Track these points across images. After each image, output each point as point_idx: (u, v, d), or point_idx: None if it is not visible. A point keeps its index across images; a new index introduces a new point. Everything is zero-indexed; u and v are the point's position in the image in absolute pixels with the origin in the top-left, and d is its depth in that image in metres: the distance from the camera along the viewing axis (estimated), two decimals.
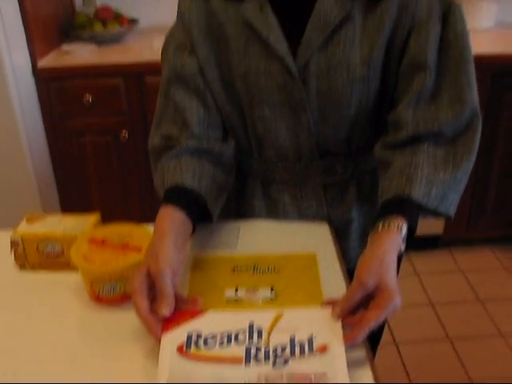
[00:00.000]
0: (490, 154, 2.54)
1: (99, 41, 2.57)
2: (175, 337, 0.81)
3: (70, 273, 1.01)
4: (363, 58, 0.99)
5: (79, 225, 1.05)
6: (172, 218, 0.93)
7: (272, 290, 0.94)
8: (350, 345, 0.79)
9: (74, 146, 2.46)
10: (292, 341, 0.79)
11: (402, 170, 0.96)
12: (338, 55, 0.98)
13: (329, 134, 1.07)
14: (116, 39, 2.63)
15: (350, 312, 0.83)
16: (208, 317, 0.85)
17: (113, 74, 2.34)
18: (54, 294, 0.99)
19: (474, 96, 1.00)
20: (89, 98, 2.33)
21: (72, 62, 2.37)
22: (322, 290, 0.95)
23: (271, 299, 0.92)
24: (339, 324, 0.82)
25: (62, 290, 0.99)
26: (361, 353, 0.82)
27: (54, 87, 2.34)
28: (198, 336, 0.81)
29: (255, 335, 0.81)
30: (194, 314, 0.85)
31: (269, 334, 0.81)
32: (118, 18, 2.66)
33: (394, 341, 2.27)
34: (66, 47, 2.49)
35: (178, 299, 0.84)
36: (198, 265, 1.02)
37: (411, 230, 0.91)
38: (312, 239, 1.10)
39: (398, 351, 2.23)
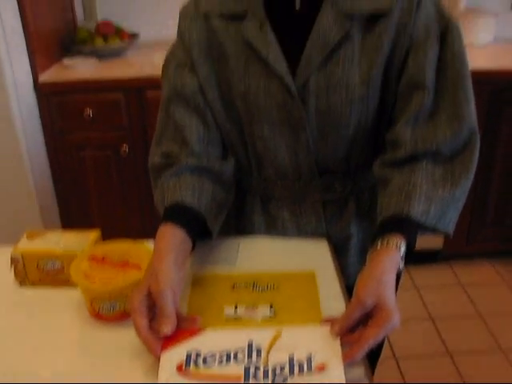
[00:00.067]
0: (489, 169, 2.54)
1: (100, 55, 2.59)
2: (174, 355, 0.81)
3: (70, 289, 1.01)
4: (362, 77, 1.00)
5: (79, 241, 1.06)
6: (172, 236, 0.93)
7: (271, 307, 0.94)
8: (348, 363, 0.79)
9: (74, 160, 2.47)
10: (291, 360, 0.79)
11: (401, 188, 0.96)
12: (337, 74, 0.99)
13: (328, 153, 1.08)
14: (117, 54, 2.65)
15: (349, 330, 0.83)
16: (207, 335, 0.85)
17: (113, 88, 2.36)
18: (54, 310, 0.99)
19: (471, 115, 1.00)
20: (89, 112, 2.35)
21: (73, 77, 2.39)
22: (321, 307, 0.95)
23: (270, 317, 0.92)
24: (338, 342, 0.82)
25: (62, 306, 1.00)
26: (360, 371, 0.82)
27: (54, 101, 2.36)
28: (198, 355, 0.81)
29: (254, 354, 0.81)
30: (194, 332, 0.85)
31: (268, 352, 0.81)
32: (119, 32, 2.68)
33: (394, 355, 2.27)
34: (67, 62, 2.50)
35: (177, 318, 0.84)
36: (197, 282, 1.02)
37: (410, 247, 0.92)
38: (311, 256, 1.10)
39: (398, 366, 2.22)
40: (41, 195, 2.39)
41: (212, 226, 1.02)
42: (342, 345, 0.82)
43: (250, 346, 0.82)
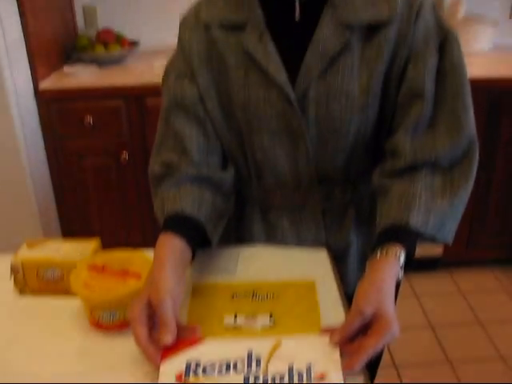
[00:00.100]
0: (488, 176, 2.55)
1: (101, 63, 2.60)
2: (174, 365, 0.81)
3: (69, 298, 1.01)
4: (362, 86, 1.00)
5: (79, 250, 1.06)
6: (172, 245, 0.93)
7: (271, 316, 0.94)
8: (348, 372, 0.79)
9: (74, 167, 2.47)
10: (290, 369, 0.79)
11: (400, 198, 0.97)
12: (337, 83, 1.00)
13: (327, 161, 1.08)
14: (117, 61, 2.66)
15: (349, 340, 0.83)
16: (207, 345, 0.85)
17: (114, 95, 2.36)
18: (54, 319, 0.99)
19: (470, 124, 1.01)
20: (90, 119, 2.35)
21: (73, 84, 2.39)
22: (321, 316, 0.95)
23: (270, 326, 0.92)
24: (337, 352, 0.82)
25: (62, 315, 0.99)
26: (359, 379, 0.81)
27: (55, 109, 2.36)
28: (197, 364, 0.81)
29: (253, 364, 0.81)
30: (193, 342, 0.85)
31: (267, 362, 0.81)
32: (120, 40, 2.69)
33: (394, 363, 2.27)
34: (67, 69, 2.51)
35: (177, 327, 0.84)
36: (197, 291, 1.02)
37: (409, 257, 0.92)
38: (311, 265, 1.10)
39: (398, 374, 2.22)
40: (41, 202, 2.39)
41: (212, 235, 1.03)
42: (341, 355, 0.82)
43: (249, 356, 0.82)
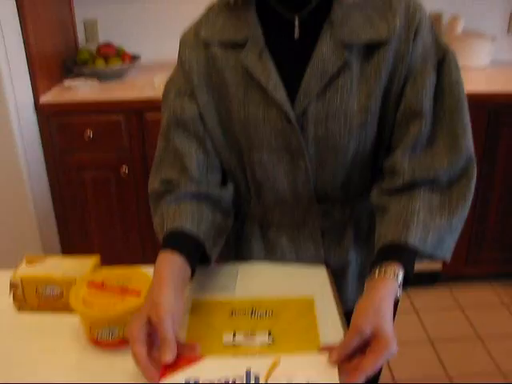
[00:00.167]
0: (488, 191, 2.55)
1: (101, 77, 2.61)
2: (173, 383, 0.81)
3: (68, 315, 1.01)
4: (360, 105, 1.01)
5: (79, 267, 1.06)
6: (171, 263, 0.93)
7: (269, 334, 0.94)
8: None
9: (74, 180, 2.47)
10: None
11: (399, 217, 0.97)
12: (336, 102, 1.00)
13: (326, 179, 1.09)
14: (118, 75, 2.67)
15: (347, 358, 0.83)
16: (206, 363, 0.85)
17: (114, 110, 2.37)
18: (53, 336, 0.99)
19: (468, 143, 1.01)
20: (90, 133, 2.36)
21: (74, 98, 2.40)
22: (320, 334, 0.95)
23: (269, 344, 0.92)
24: (336, 370, 0.82)
25: (61, 332, 0.99)
26: None
27: (55, 122, 2.37)
28: (196, 382, 0.81)
29: (252, 382, 0.81)
30: (192, 360, 0.85)
31: (266, 380, 0.81)
32: (120, 54, 2.70)
33: (393, 379, 2.26)
34: (68, 83, 2.52)
35: (176, 345, 0.84)
36: (196, 309, 1.02)
37: (408, 274, 0.92)
38: (309, 283, 1.11)
39: None
40: (40, 216, 2.39)
41: (211, 252, 1.03)
42: (339, 373, 0.82)
43: (248, 374, 0.82)
